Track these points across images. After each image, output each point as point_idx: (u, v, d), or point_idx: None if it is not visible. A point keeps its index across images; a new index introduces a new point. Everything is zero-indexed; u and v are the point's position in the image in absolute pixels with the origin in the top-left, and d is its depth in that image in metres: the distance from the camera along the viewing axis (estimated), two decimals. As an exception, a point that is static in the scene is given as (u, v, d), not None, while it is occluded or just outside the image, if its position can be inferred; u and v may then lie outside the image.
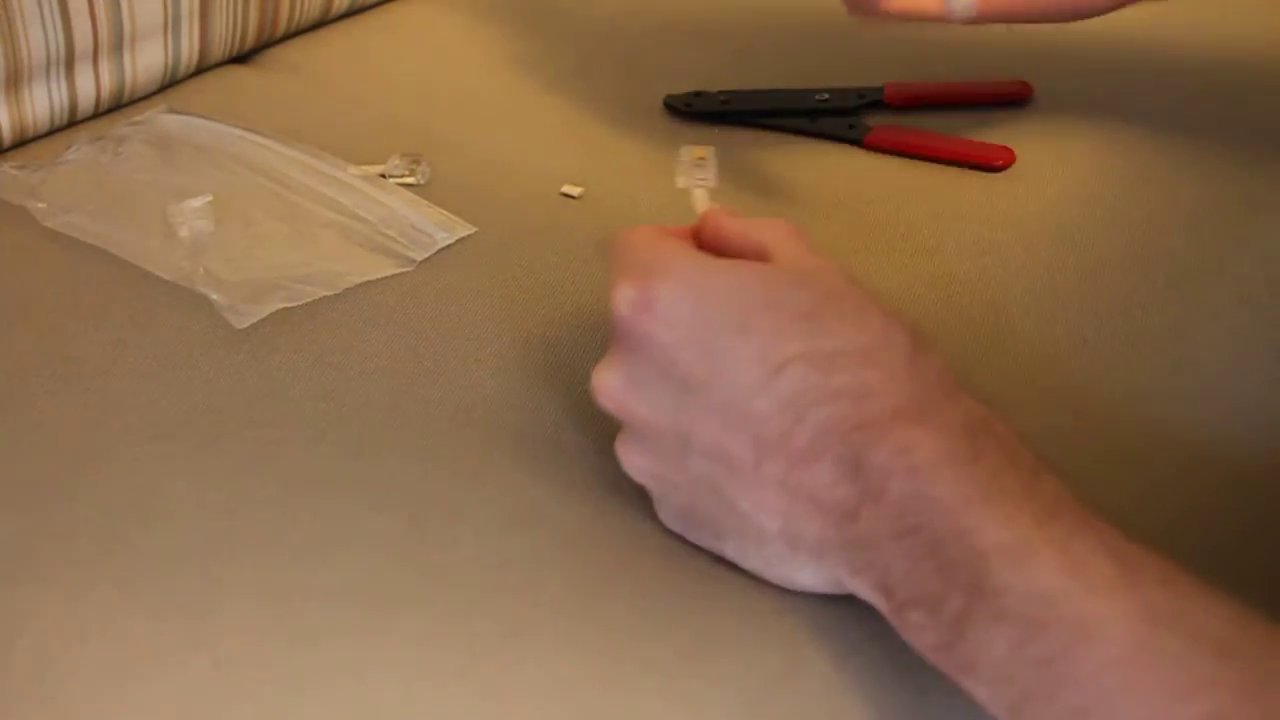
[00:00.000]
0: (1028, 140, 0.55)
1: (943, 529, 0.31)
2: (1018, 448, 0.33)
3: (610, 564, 0.37)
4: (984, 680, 0.30)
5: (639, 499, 0.38)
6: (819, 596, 0.36)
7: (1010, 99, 0.59)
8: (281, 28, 0.66)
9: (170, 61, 0.60)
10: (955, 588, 0.30)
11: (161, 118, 0.56)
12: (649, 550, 0.38)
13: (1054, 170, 0.54)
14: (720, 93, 0.59)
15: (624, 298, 0.35)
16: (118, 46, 0.57)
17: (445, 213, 0.51)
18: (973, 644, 0.30)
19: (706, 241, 0.39)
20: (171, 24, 0.59)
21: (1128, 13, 0.63)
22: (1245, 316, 0.47)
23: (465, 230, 0.50)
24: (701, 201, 0.43)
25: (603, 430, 0.40)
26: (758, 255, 0.37)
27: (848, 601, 0.35)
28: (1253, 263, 0.50)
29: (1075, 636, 0.29)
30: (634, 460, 0.37)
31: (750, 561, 0.36)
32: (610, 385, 0.36)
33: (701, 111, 0.58)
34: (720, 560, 0.37)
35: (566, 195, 0.52)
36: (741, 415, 0.34)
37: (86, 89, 0.57)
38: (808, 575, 0.35)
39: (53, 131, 0.57)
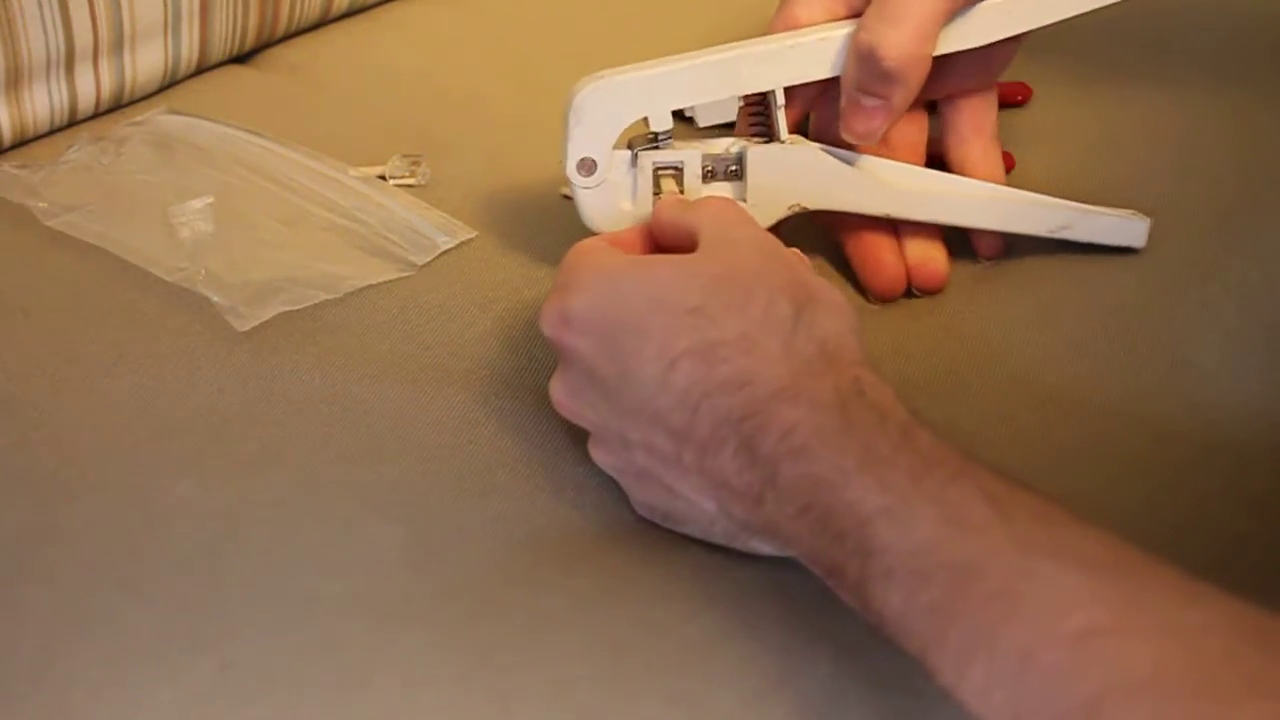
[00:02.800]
0: (1027, 142, 0.55)
1: (829, 503, 0.32)
2: (890, 406, 0.34)
3: (612, 574, 0.37)
4: (895, 634, 0.31)
5: (642, 521, 0.39)
6: (816, 599, 0.36)
7: (1010, 101, 0.59)
8: (282, 27, 0.66)
9: (170, 61, 0.60)
10: (849, 555, 0.32)
11: (162, 118, 0.56)
12: (651, 560, 0.38)
13: (1053, 172, 0.54)
14: None
15: (546, 317, 0.39)
16: (118, 46, 0.57)
17: (446, 215, 0.51)
18: (876, 604, 0.32)
19: (654, 233, 0.42)
20: (172, 24, 0.59)
21: (1127, 17, 0.64)
22: (1245, 317, 0.48)
23: (466, 234, 0.50)
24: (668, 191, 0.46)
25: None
26: (690, 239, 0.40)
27: (845, 607, 0.36)
28: (1252, 263, 0.50)
29: (955, 579, 0.30)
30: (598, 457, 0.39)
31: (715, 539, 0.38)
32: (558, 396, 0.40)
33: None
34: (718, 569, 0.37)
35: (567, 198, 0.52)
36: (653, 412, 0.36)
37: (86, 89, 0.57)
38: (765, 546, 0.37)
39: (53, 131, 0.57)
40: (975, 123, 0.50)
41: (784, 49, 0.45)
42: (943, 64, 0.46)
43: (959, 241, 0.51)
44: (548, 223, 0.49)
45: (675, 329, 0.36)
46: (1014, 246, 0.50)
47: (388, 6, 0.69)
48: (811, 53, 0.45)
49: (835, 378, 0.35)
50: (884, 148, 0.48)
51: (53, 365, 0.44)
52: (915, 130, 0.50)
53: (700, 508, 0.37)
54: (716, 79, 0.45)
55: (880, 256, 0.48)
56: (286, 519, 0.39)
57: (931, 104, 0.51)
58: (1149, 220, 0.50)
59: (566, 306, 0.38)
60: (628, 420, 0.37)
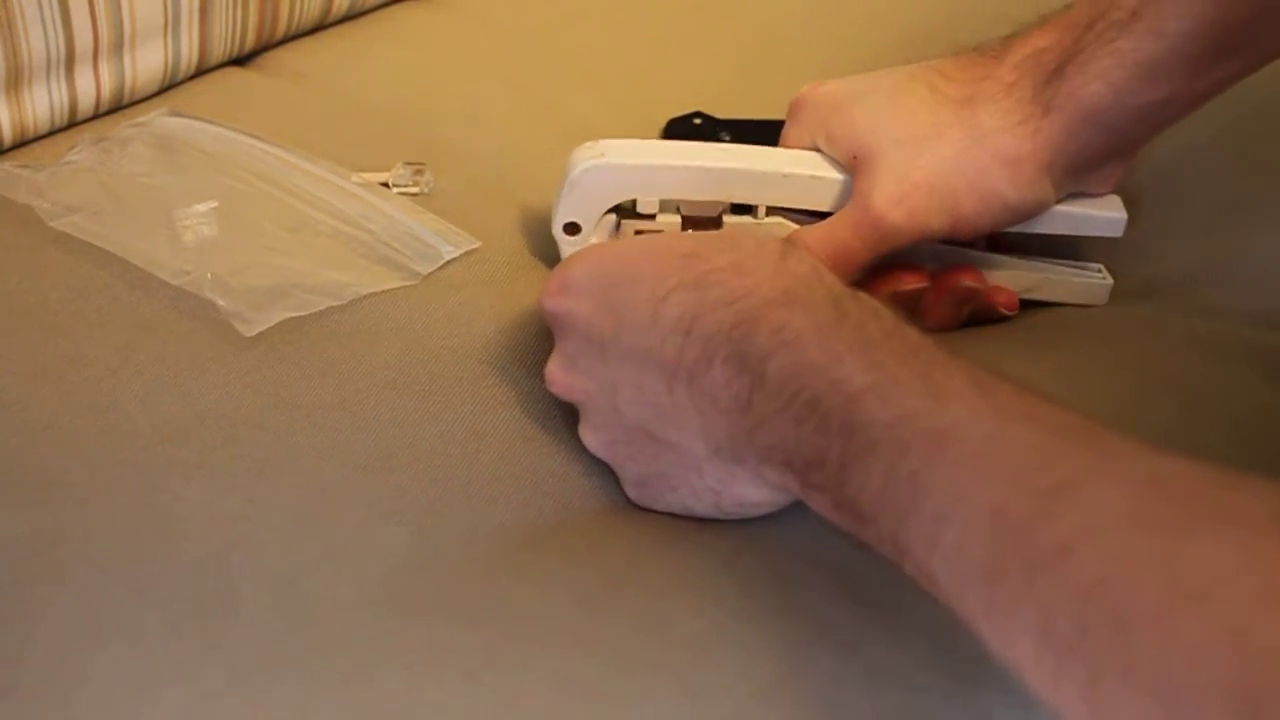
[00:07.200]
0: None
1: (819, 387, 0.34)
2: (881, 309, 0.36)
3: (617, 571, 0.38)
4: (871, 519, 0.32)
5: (647, 522, 0.40)
6: (821, 595, 0.37)
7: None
8: (281, 29, 0.66)
9: (170, 62, 0.60)
10: (833, 436, 0.33)
11: (164, 120, 0.56)
12: (656, 557, 0.38)
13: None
14: (722, 120, 0.60)
15: (546, 290, 0.41)
16: (118, 47, 0.57)
17: (449, 225, 0.52)
18: (855, 486, 0.32)
19: None
20: (171, 24, 0.59)
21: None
22: (1228, 334, 0.48)
23: (469, 244, 0.51)
24: None
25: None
26: None
27: (847, 601, 0.36)
28: (1233, 282, 0.51)
29: (934, 446, 0.31)
30: (589, 437, 0.40)
31: (705, 500, 0.39)
32: (553, 372, 0.41)
33: (704, 136, 0.59)
34: (722, 564, 0.38)
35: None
36: (644, 351, 0.37)
37: (87, 89, 0.57)
38: (749, 489, 0.37)
39: (53, 132, 0.57)
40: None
41: (777, 177, 0.47)
42: None
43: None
44: (549, 234, 0.50)
45: (668, 270, 0.38)
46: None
47: (388, 11, 0.69)
48: (801, 187, 0.48)
49: (828, 287, 0.36)
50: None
51: (59, 367, 0.44)
52: None
53: (688, 454, 0.37)
54: (708, 185, 0.48)
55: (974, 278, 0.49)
56: (294, 523, 0.39)
57: None
58: (1111, 281, 0.52)
59: (566, 275, 0.40)
60: (621, 369, 0.38)
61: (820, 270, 0.37)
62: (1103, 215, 0.49)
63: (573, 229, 0.48)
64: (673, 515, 0.40)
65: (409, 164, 0.54)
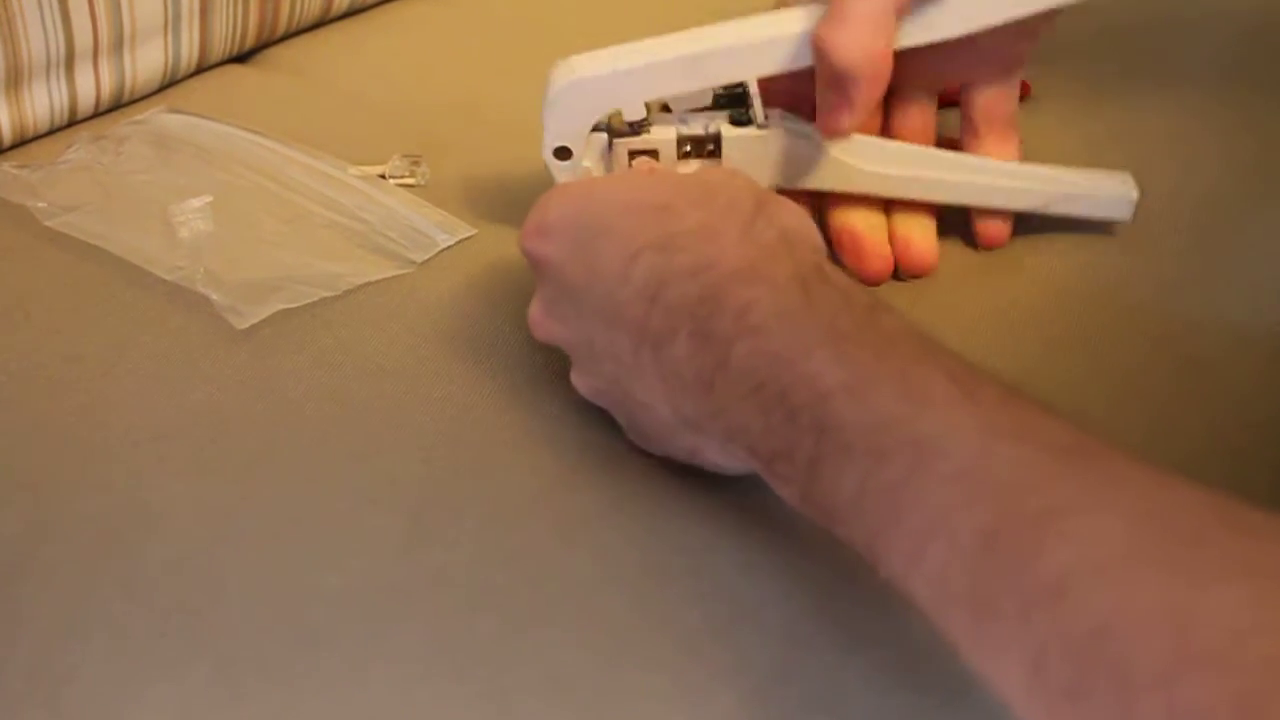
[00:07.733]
0: (1025, 139, 0.55)
1: (786, 380, 0.32)
2: (852, 290, 0.34)
3: (611, 558, 0.37)
4: (842, 521, 0.31)
5: (640, 493, 0.39)
6: (818, 589, 0.36)
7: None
8: (282, 27, 0.66)
9: (170, 61, 0.60)
10: (804, 432, 0.31)
11: (162, 117, 0.56)
12: (650, 545, 0.38)
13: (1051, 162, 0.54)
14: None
15: (525, 231, 0.39)
16: (118, 46, 0.58)
17: (445, 214, 0.51)
18: (826, 485, 0.31)
19: None
20: (172, 23, 0.59)
21: (1124, 13, 0.64)
22: (1247, 314, 0.47)
23: (465, 232, 0.51)
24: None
25: (603, 425, 0.41)
26: None
27: (848, 596, 0.36)
28: (1255, 261, 0.50)
29: (915, 459, 0.29)
30: (578, 381, 0.40)
31: (681, 456, 0.38)
32: (534, 317, 0.40)
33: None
34: (720, 557, 0.37)
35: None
36: (614, 309, 0.36)
37: (86, 89, 0.57)
38: (720, 458, 0.37)
39: (53, 131, 0.58)
40: (987, 113, 0.49)
41: (759, 45, 0.44)
42: (949, 54, 0.45)
43: (959, 232, 0.50)
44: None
45: (639, 225, 0.36)
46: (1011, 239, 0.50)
47: (386, 6, 0.69)
48: (785, 48, 0.44)
49: (795, 262, 0.35)
50: (888, 137, 0.48)
51: (52, 365, 0.44)
52: (919, 119, 0.49)
53: (657, 415, 0.37)
54: (689, 74, 0.45)
55: (864, 236, 0.48)
56: (284, 516, 0.39)
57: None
58: (1137, 194, 0.49)
59: (545, 216, 0.39)
60: (595, 324, 0.37)
61: (790, 238, 0.36)
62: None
63: (563, 153, 0.46)
64: (671, 502, 0.39)
65: (405, 156, 0.54)
